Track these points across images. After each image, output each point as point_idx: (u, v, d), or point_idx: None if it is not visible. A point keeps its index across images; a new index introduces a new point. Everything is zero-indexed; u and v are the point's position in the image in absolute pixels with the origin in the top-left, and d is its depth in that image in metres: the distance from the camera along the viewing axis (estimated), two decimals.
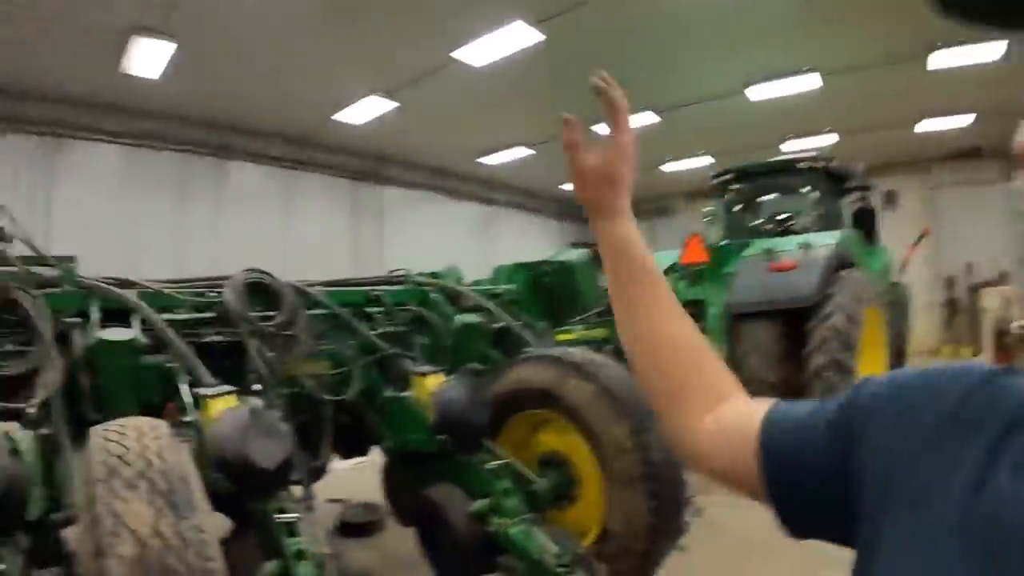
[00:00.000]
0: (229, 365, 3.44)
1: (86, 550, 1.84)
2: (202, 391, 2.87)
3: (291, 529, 2.57)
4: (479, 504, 3.29)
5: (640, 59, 10.99)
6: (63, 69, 10.20)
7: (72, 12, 8.59)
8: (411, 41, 10.21)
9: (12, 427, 2.47)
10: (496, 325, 4.34)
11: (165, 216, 13.26)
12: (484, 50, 10.60)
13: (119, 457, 2.06)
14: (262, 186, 15.05)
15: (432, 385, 3.52)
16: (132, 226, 12.41)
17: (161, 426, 2.31)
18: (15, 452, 2.27)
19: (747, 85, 12.66)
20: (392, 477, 4.57)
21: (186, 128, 13.17)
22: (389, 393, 3.77)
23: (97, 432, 2.23)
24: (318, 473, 4.27)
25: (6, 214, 3.60)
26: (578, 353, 3.76)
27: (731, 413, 0.90)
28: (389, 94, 12.52)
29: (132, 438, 2.16)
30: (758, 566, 4.40)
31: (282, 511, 2.61)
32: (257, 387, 3.27)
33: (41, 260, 3.58)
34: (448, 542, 3.29)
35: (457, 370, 3.80)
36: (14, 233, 3.65)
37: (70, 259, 3.67)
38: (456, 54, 10.69)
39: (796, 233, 7.84)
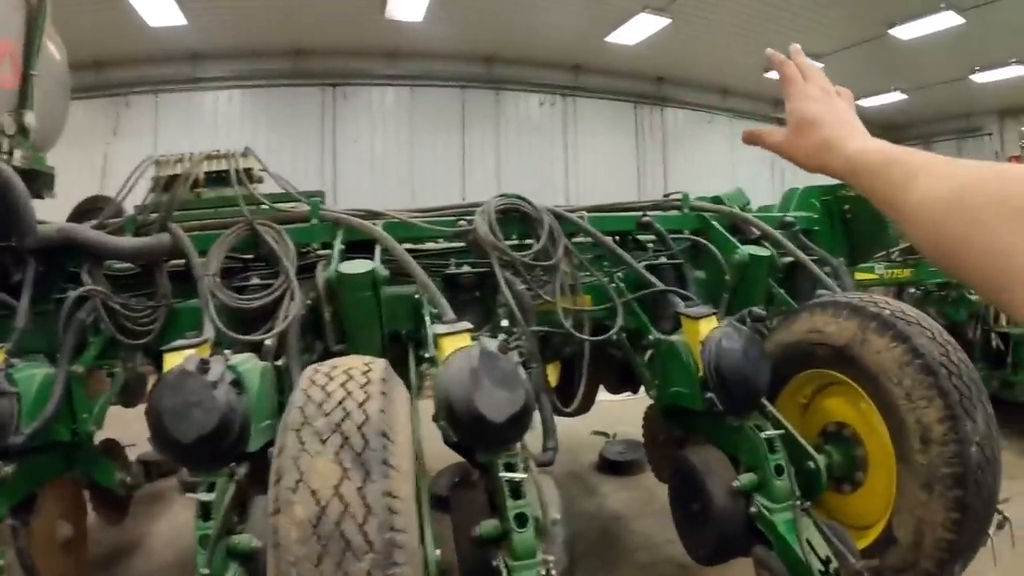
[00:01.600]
0: (479, 298, 3.28)
1: (264, 505, 1.74)
2: (436, 327, 2.67)
3: (516, 490, 2.27)
4: (744, 479, 2.72)
5: None
6: (336, 25, 11.17)
7: None
8: None
9: (244, 358, 2.56)
10: (785, 260, 3.65)
11: (445, 151, 14.21)
12: None
13: (317, 404, 1.92)
14: (540, 114, 15.27)
15: (705, 330, 2.94)
16: (414, 163, 13.56)
17: (377, 369, 2.13)
18: (237, 383, 2.30)
19: None
20: (652, 427, 4.13)
21: (457, 64, 13.78)
22: (655, 336, 3.29)
23: (307, 373, 2.13)
24: (580, 411, 4.03)
25: (253, 155, 3.89)
26: (885, 303, 2.92)
27: None
28: (660, 10, 11.61)
29: (337, 383, 2.01)
30: None
31: (510, 467, 2.33)
32: (505, 323, 3.03)
33: (288, 197, 3.80)
34: (701, 514, 2.80)
35: (736, 312, 3.19)
36: (264, 173, 3.95)
37: (317, 194, 3.83)
38: None
39: None
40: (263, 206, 3.56)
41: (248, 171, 3.85)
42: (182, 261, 3.24)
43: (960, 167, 0.76)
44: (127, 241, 3.27)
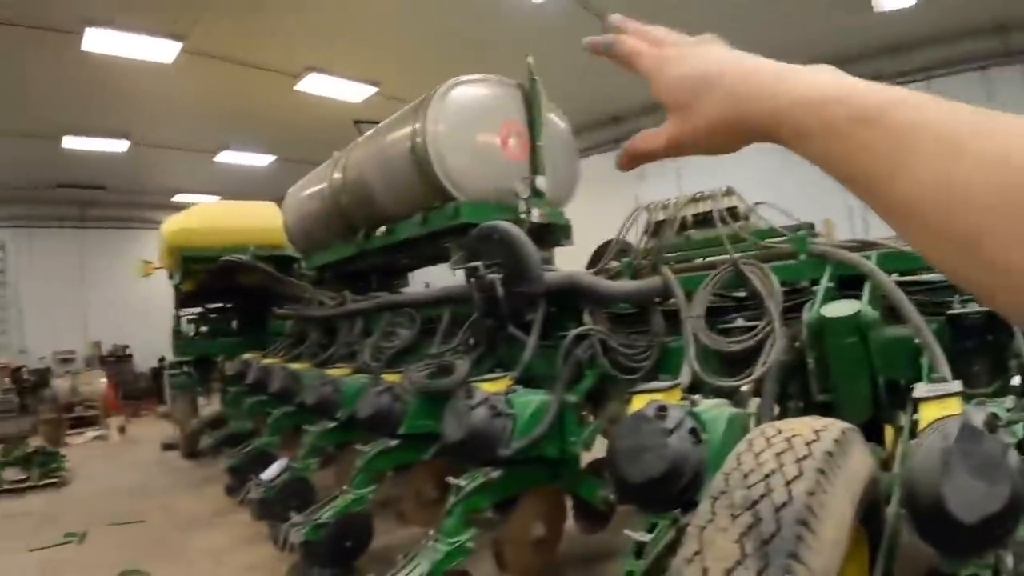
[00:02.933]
0: (989, 345, 2.61)
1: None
2: (918, 388, 2.18)
3: None
4: None
5: None
6: (828, 30, 10.48)
7: None
8: None
9: (712, 404, 2.50)
10: None
11: None
12: None
13: (743, 474, 1.73)
14: None
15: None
16: None
17: (826, 439, 1.83)
18: (695, 432, 2.29)
19: None
20: None
21: (972, 41, 11.14)
22: None
23: (754, 433, 1.97)
24: None
25: (736, 194, 3.84)
26: None
27: None
28: None
29: (773, 451, 1.80)
30: None
31: None
32: (1017, 381, 2.37)
33: (774, 232, 3.61)
34: None
35: None
36: (748, 210, 3.86)
37: (807, 227, 3.57)
38: None
39: None
40: (749, 243, 3.53)
41: (732, 210, 3.87)
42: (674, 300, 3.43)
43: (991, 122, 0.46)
44: (621, 285, 3.67)
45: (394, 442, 3.92)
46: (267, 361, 6.44)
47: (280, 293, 7.59)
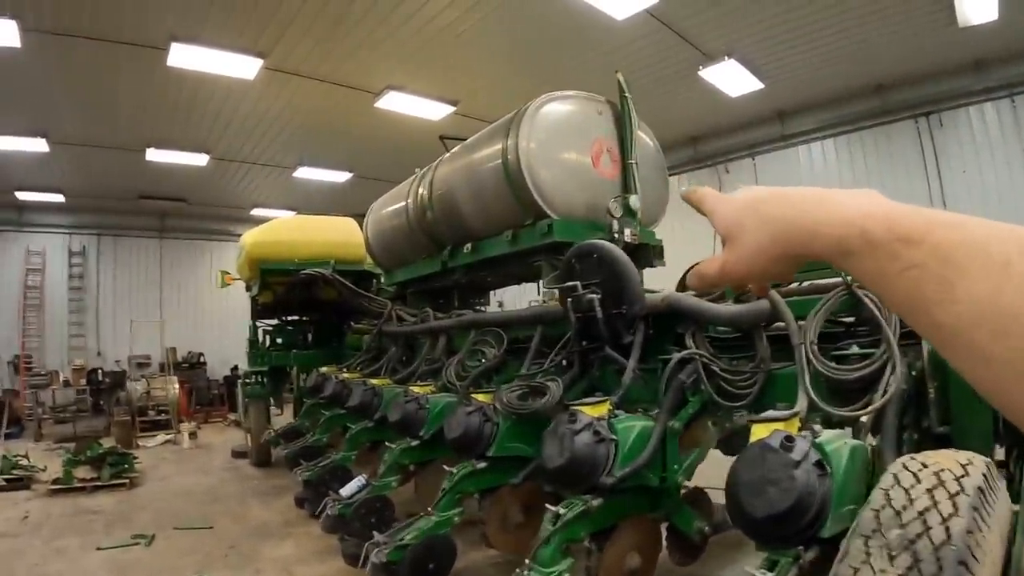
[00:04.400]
0: None
1: None
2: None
3: None
4: None
5: None
6: (911, 50, 10.36)
7: None
8: None
9: (834, 435, 2.47)
10: None
11: None
12: None
13: (896, 511, 1.70)
14: None
15: None
16: None
17: (974, 473, 1.79)
18: (821, 464, 2.25)
19: None
20: None
21: None
22: None
23: (895, 467, 1.93)
24: None
25: None
26: None
27: None
28: None
29: (924, 486, 1.75)
30: None
31: None
32: None
33: None
34: None
35: None
36: None
37: None
38: None
39: None
40: None
41: None
42: (782, 324, 3.36)
43: None
44: (725, 308, 3.61)
45: (482, 464, 3.96)
46: (346, 375, 6.60)
47: (358, 308, 7.79)
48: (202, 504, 7.69)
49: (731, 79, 11.70)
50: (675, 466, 3.33)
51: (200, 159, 14.24)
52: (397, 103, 11.84)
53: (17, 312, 17.13)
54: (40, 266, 17.61)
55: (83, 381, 15.88)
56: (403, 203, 6.91)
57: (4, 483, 8.58)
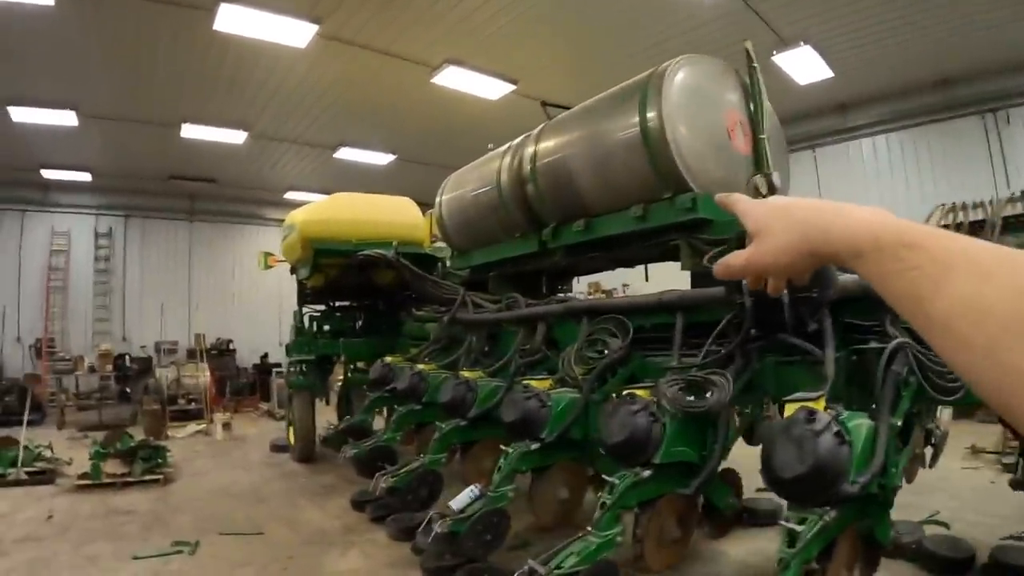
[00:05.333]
0: None
1: None
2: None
3: None
4: None
5: None
6: (980, 44, 10.05)
7: None
8: None
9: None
10: None
11: None
12: None
13: None
14: None
15: None
16: None
17: None
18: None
19: None
20: None
21: None
22: None
23: None
24: None
25: None
26: None
27: None
28: None
29: None
30: None
31: None
32: None
33: None
34: None
35: None
36: None
37: None
38: None
39: None
40: None
41: None
42: None
43: (1014, 260, 0.60)
44: None
45: (647, 472, 3.24)
46: (422, 367, 5.88)
47: (423, 293, 7.09)
48: (247, 505, 7.03)
49: (802, 66, 11.22)
50: (892, 468, 2.85)
51: (238, 136, 13.62)
52: (454, 79, 11.16)
53: (41, 295, 16.61)
54: (65, 247, 17.09)
55: (109, 367, 15.31)
56: (492, 176, 6.19)
57: (26, 476, 7.87)
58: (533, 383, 4.24)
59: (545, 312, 5.01)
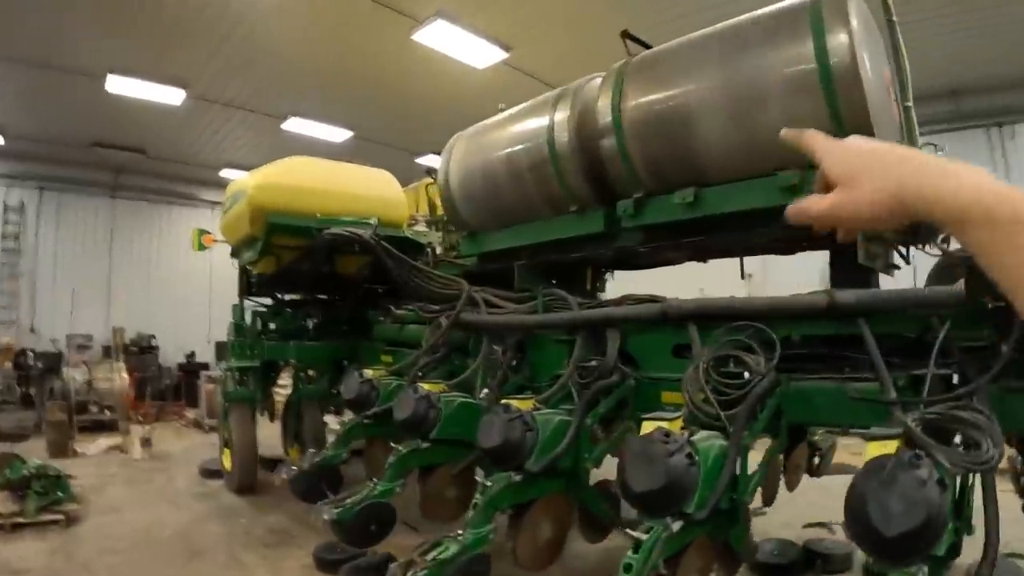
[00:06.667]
0: None
1: None
2: None
3: None
4: None
5: None
6: (990, 57, 9.86)
7: None
8: None
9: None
10: None
11: None
12: None
13: None
14: None
15: None
16: None
17: None
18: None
19: None
20: None
21: None
22: None
23: None
24: None
25: None
26: None
27: None
28: None
29: None
30: None
31: None
32: None
33: None
34: None
35: None
36: None
37: None
38: None
39: None
40: None
41: None
42: None
43: None
44: None
45: None
46: (427, 386, 4.22)
47: (407, 287, 5.46)
48: (177, 562, 5.32)
49: None
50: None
51: (175, 96, 11.60)
52: (441, 37, 9.50)
53: None
54: None
55: (8, 365, 12.98)
56: (538, 132, 4.63)
57: None
58: (650, 425, 2.73)
59: (626, 315, 3.49)
